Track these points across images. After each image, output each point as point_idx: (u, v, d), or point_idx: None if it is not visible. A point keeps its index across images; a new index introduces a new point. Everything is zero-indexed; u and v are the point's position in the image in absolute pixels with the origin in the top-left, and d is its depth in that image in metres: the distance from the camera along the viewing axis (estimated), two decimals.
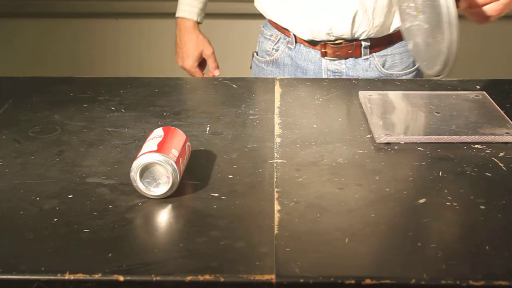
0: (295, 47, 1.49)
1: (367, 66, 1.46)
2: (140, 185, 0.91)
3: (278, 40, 1.51)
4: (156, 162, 0.91)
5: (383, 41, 1.47)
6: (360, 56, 1.46)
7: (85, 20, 2.73)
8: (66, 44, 2.75)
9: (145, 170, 0.91)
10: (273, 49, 1.53)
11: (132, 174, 0.91)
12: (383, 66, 1.47)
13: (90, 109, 1.23)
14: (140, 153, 0.93)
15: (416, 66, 1.49)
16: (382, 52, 1.47)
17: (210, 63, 1.61)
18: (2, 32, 2.75)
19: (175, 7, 1.71)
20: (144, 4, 2.68)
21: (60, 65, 2.74)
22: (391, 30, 1.45)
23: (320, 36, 1.44)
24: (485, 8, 1.05)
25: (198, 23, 1.59)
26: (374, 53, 1.47)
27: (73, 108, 1.24)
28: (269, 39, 1.53)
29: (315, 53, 1.48)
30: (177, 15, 1.58)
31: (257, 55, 1.58)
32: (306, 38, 1.46)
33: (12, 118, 1.19)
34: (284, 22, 1.49)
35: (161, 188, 0.91)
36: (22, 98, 1.29)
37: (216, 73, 1.61)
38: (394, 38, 1.47)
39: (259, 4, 1.52)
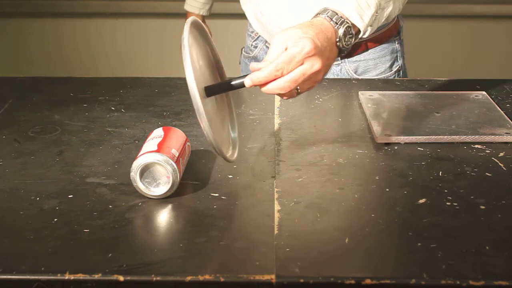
0: None
1: (338, 71, 1.43)
2: (140, 185, 0.91)
3: (258, 38, 1.51)
4: (156, 162, 0.91)
5: (355, 48, 1.41)
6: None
7: (85, 20, 2.73)
8: (66, 44, 2.74)
9: (145, 170, 0.91)
10: (252, 45, 1.53)
11: (132, 174, 0.91)
12: (355, 72, 1.43)
13: (90, 109, 1.23)
14: (140, 153, 0.93)
15: (393, 71, 1.45)
16: (355, 58, 1.42)
17: None
18: (2, 32, 2.75)
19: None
20: (144, 4, 2.68)
21: (60, 65, 2.74)
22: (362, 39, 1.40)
23: None
24: (271, 86, 0.93)
25: (202, 15, 1.69)
26: (346, 59, 1.42)
27: (73, 108, 1.24)
28: (250, 35, 1.54)
29: None
30: (184, 7, 1.69)
31: (243, 51, 1.59)
32: None
33: (12, 118, 1.19)
34: (258, 30, 1.49)
35: (161, 188, 0.91)
36: (22, 98, 1.29)
37: None
38: (367, 45, 1.42)
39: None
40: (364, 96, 1.26)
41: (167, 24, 2.60)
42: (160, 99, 1.28)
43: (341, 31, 0.99)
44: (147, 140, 0.98)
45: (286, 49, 0.94)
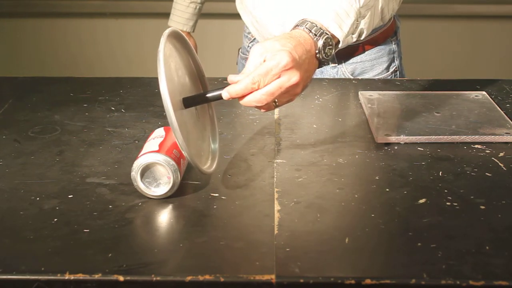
0: None
1: (334, 73, 1.42)
2: (141, 185, 0.91)
3: (254, 39, 1.51)
4: (157, 162, 0.91)
5: (351, 50, 1.41)
6: (328, 64, 1.39)
7: (85, 20, 2.73)
8: (66, 44, 2.74)
9: (146, 170, 0.91)
10: (248, 46, 1.53)
11: (133, 174, 0.91)
12: (352, 74, 1.42)
13: (90, 109, 1.23)
14: (141, 153, 0.93)
15: (389, 72, 1.45)
16: (351, 60, 1.42)
17: None
18: (2, 32, 2.75)
19: None
20: (144, 4, 2.68)
21: (60, 65, 2.74)
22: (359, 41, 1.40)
23: None
24: (248, 99, 0.93)
25: (187, 32, 1.66)
26: (342, 61, 1.41)
27: (73, 108, 1.24)
28: (247, 36, 1.54)
29: None
30: (168, 23, 1.67)
31: (240, 51, 1.58)
32: None
33: (12, 118, 1.19)
34: (255, 34, 1.49)
35: (161, 188, 0.91)
36: (22, 98, 1.29)
37: None
38: (364, 47, 1.41)
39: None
40: (364, 96, 1.26)
41: (166, 24, 2.60)
42: (160, 99, 1.27)
43: (320, 43, 0.98)
44: (148, 139, 0.98)
45: (264, 61, 0.93)
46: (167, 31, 0.94)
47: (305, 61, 0.96)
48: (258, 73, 0.92)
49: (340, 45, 1.02)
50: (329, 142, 1.09)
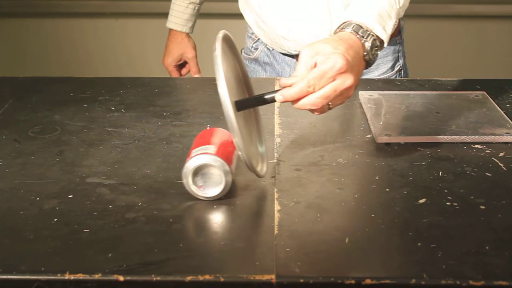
0: (273, 49, 1.48)
1: None
2: (191, 177, 0.91)
3: (258, 40, 1.51)
4: (226, 178, 0.90)
5: None
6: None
7: (85, 20, 2.73)
8: (66, 44, 2.74)
9: (204, 168, 0.90)
10: (252, 47, 1.53)
11: (197, 162, 0.90)
12: None
13: (90, 109, 1.23)
14: (222, 156, 0.91)
15: (394, 71, 1.46)
16: None
17: (191, 67, 1.66)
18: (2, 32, 2.75)
19: None
20: (144, 4, 2.68)
21: (60, 65, 2.74)
22: None
23: (291, 51, 1.43)
24: (303, 102, 0.93)
25: (186, 33, 1.64)
26: None
27: (73, 108, 1.24)
28: (250, 37, 1.53)
29: (290, 57, 1.47)
30: (166, 24, 1.66)
31: (243, 52, 1.58)
32: (279, 51, 1.47)
33: (12, 118, 1.19)
34: (259, 35, 1.49)
35: (206, 190, 0.91)
36: (22, 98, 1.29)
37: (196, 76, 1.66)
38: None
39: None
40: (364, 96, 1.26)
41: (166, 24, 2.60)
42: (160, 99, 1.28)
43: (368, 45, 0.98)
44: (226, 141, 0.96)
45: (315, 64, 0.93)
46: (220, 34, 0.93)
47: (356, 63, 0.96)
48: (313, 76, 0.91)
49: (384, 45, 1.03)
50: (329, 142, 1.09)
